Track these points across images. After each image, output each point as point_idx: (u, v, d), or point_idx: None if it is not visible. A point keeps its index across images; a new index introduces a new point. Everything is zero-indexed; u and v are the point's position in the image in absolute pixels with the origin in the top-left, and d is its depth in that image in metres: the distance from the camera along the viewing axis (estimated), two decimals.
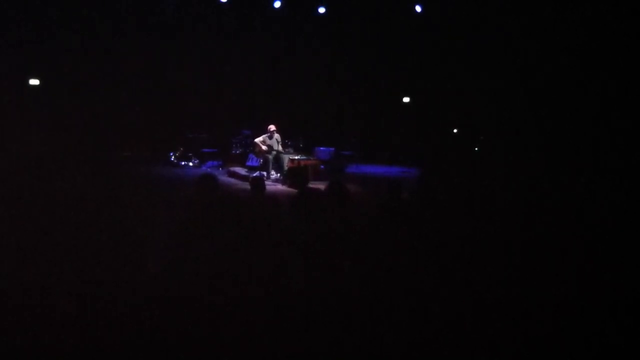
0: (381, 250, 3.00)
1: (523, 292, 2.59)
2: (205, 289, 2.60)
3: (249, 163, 12.39)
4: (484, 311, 2.49)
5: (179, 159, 13.64)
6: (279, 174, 11.11)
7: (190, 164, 13.57)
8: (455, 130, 16.12)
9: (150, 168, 11.87)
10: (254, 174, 10.83)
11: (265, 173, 11.05)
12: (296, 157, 11.23)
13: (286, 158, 11.15)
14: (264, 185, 5.04)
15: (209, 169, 12.77)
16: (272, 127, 11.15)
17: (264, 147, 11.16)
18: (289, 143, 12.14)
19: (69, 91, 12.82)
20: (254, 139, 11.49)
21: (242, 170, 11.87)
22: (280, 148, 11.19)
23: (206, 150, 13.73)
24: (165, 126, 14.32)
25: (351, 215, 3.34)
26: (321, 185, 4.24)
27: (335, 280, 2.75)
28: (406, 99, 16.65)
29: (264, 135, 11.27)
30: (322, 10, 14.29)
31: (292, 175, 10.23)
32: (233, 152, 13.53)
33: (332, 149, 14.26)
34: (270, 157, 11.00)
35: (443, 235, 3.25)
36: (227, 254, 3.01)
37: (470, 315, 2.46)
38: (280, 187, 10.19)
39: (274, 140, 11.26)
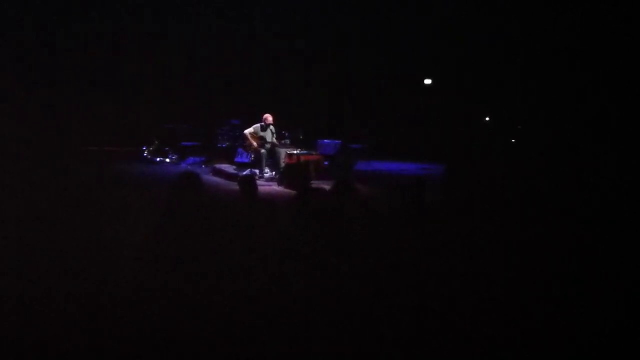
0: (401, 271, 3.12)
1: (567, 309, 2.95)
2: (185, 314, 2.87)
3: (238, 159, 12.41)
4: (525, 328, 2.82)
5: (154, 154, 13.66)
6: (274, 172, 11.13)
7: (168, 160, 13.60)
8: (487, 119, 16.14)
9: (118, 165, 11.94)
10: (244, 173, 10.90)
11: (257, 171, 11.06)
12: (295, 152, 11.21)
13: (283, 153, 11.15)
14: (256, 186, 5.03)
15: (189, 167, 12.93)
16: (269, 118, 11.13)
17: (254, 142, 11.16)
18: (287, 135, 12.13)
19: (19, 75, 12.87)
20: (244, 130, 11.49)
21: (229, 168, 11.87)
22: (275, 141, 11.20)
23: (186, 143, 13.82)
24: (137, 115, 14.36)
25: (362, 224, 3.31)
26: (325, 186, 4.22)
27: (344, 305, 2.83)
28: (428, 82, 16.66)
29: (255, 126, 11.25)
30: None
31: (290, 174, 10.22)
32: (219, 145, 13.54)
33: (339, 142, 14.26)
34: (264, 151, 10.99)
35: (475, 249, 3.45)
36: (212, 273, 3.13)
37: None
38: (275, 187, 10.18)
39: (268, 131, 11.25)
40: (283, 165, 10.90)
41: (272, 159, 11.19)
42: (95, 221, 3.79)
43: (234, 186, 9.39)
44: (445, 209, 4.57)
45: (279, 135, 11.68)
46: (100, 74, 14.13)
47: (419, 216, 4.13)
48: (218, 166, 12.14)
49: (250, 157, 11.57)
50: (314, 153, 11.88)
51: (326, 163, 12.66)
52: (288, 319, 2.81)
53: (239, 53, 15.28)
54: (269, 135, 11.26)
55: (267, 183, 10.60)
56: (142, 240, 3.47)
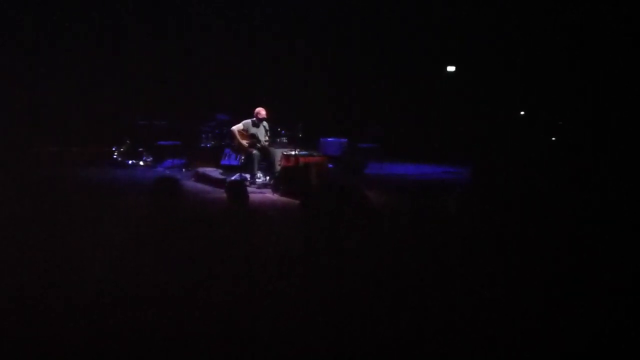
0: (421, 293, 3.28)
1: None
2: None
3: (225, 161, 12.46)
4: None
5: (125, 155, 13.69)
6: (267, 177, 11.17)
7: (141, 162, 13.64)
8: (522, 113, 16.15)
9: (79, 170, 11.91)
10: (232, 177, 10.90)
11: (248, 176, 11.09)
12: (293, 153, 11.23)
13: (278, 154, 11.18)
14: (246, 194, 5.05)
15: (167, 171, 13.04)
16: (261, 112, 11.16)
17: (244, 141, 11.18)
18: (283, 132, 12.15)
19: None
20: (232, 126, 11.52)
21: (215, 172, 11.89)
22: (268, 139, 11.23)
23: (164, 143, 13.89)
24: (106, 110, 14.42)
25: (375, 240, 3.34)
26: (330, 193, 4.21)
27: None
28: (451, 69, 16.69)
29: (245, 122, 11.27)
30: None
31: (287, 179, 10.23)
32: (202, 145, 13.58)
33: (345, 140, 14.36)
34: (256, 152, 11.01)
35: (506, 272, 3.60)
36: (192, 304, 3.25)
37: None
38: (269, 195, 10.19)
39: (260, 128, 11.26)
40: (278, 168, 10.93)
41: (266, 161, 11.21)
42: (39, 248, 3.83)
43: (221, 194, 9.38)
44: (472, 220, 4.67)
45: (274, 133, 11.72)
46: (63, 61, 14.20)
47: (440, 230, 4.21)
48: (201, 170, 12.16)
49: (240, 159, 11.59)
50: (316, 154, 11.89)
51: (330, 165, 12.72)
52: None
53: (227, 36, 15.35)
54: (261, 133, 11.27)
55: (260, 190, 10.61)
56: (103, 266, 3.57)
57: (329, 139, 14.46)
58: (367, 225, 3.40)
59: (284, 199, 9.83)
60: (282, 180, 10.33)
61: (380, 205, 6.76)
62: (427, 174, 13.44)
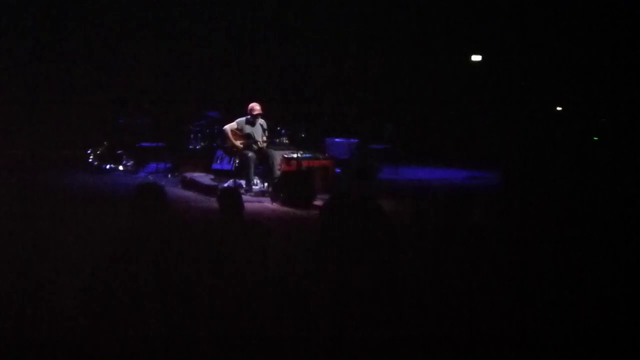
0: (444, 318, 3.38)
1: None
2: None
3: (216, 166, 12.46)
4: None
5: (102, 159, 13.70)
6: (265, 184, 11.19)
7: (120, 167, 13.65)
8: (558, 108, 16.10)
9: (48, 176, 11.90)
10: (225, 184, 10.93)
11: (243, 182, 11.11)
12: (294, 155, 11.24)
13: (277, 156, 11.20)
14: (241, 203, 5.03)
15: (150, 177, 13.05)
16: (255, 108, 11.14)
17: (238, 142, 11.18)
18: (283, 132, 12.16)
19: None
20: (224, 125, 11.52)
21: (205, 178, 11.89)
22: (265, 139, 11.25)
23: (147, 144, 13.93)
24: (79, 107, 14.43)
25: (391, 261, 3.33)
26: (337, 202, 4.18)
27: None
28: (476, 58, 16.66)
29: (239, 120, 11.27)
30: None
31: (288, 186, 10.22)
32: (191, 147, 13.61)
33: (355, 141, 14.40)
34: (251, 155, 11.00)
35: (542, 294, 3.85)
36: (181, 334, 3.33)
37: None
38: (268, 204, 10.19)
39: (256, 127, 11.27)
40: (278, 173, 10.93)
41: (263, 165, 11.21)
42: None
43: (212, 203, 9.39)
44: (502, 234, 4.74)
45: (272, 132, 11.73)
46: (37, 55, 14.26)
47: (465, 245, 4.22)
48: (189, 175, 12.16)
49: (233, 162, 11.60)
50: (321, 156, 11.88)
51: (338, 170, 12.70)
52: None
53: (218, 23, 15.38)
54: (257, 133, 11.25)
55: (257, 198, 10.61)
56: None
57: (336, 140, 14.44)
58: (383, 244, 3.35)
59: (284, 209, 9.82)
60: (282, 187, 10.31)
61: (398, 219, 6.75)
62: (450, 179, 13.43)
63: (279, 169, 11.05)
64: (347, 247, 3.32)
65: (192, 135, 13.66)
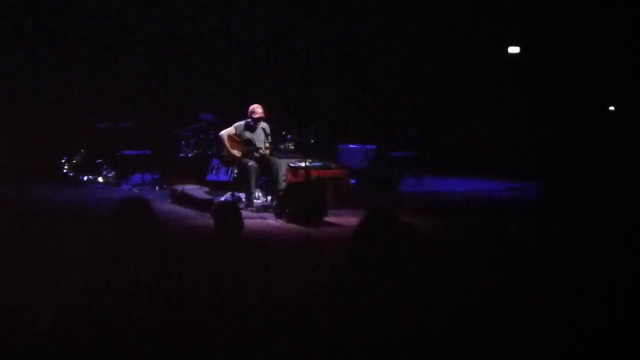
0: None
1: None
2: None
3: (211, 177, 12.48)
4: None
5: (79, 169, 13.73)
6: (268, 197, 11.19)
7: (100, 179, 13.68)
8: (611, 108, 16.02)
9: (17, 190, 11.91)
10: (222, 198, 10.96)
11: (242, 195, 11.12)
12: (302, 164, 11.25)
13: (283, 165, 11.22)
14: (240, 220, 5.01)
15: (134, 190, 13.12)
16: (257, 110, 11.15)
17: (237, 150, 11.19)
18: (289, 137, 12.17)
19: None
20: (220, 130, 11.58)
21: (199, 191, 11.91)
22: (268, 146, 11.28)
23: (130, 152, 13.98)
24: (54, 110, 14.50)
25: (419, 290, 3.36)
26: (352, 218, 4.17)
27: None
28: (513, 50, 16.65)
29: (238, 124, 11.29)
30: None
31: (295, 199, 10.23)
32: (182, 155, 13.66)
33: (372, 147, 14.41)
34: (252, 164, 11.01)
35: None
36: None
37: None
38: (271, 221, 10.19)
39: (257, 132, 11.29)
40: (283, 185, 10.93)
41: (266, 176, 11.23)
42: None
43: (206, 219, 9.37)
44: (545, 252, 4.83)
45: (276, 138, 11.75)
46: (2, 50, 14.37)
47: (503, 266, 4.26)
48: (180, 188, 12.17)
49: (231, 173, 11.62)
50: (333, 165, 11.89)
51: (353, 181, 12.74)
52: None
53: (214, 16, 15.46)
54: (259, 138, 11.27)
55: (258, 214, 10.61)
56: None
57: (351, 146, 14.44)
58: (409, 269, 3.34)
59: (290, 226, 9.82)
60: (288, 202, 10.30)
61: (420, 232, 6.73)
62: (483, 191, 13.40)
63: (284, 180, 11.06)
64: (380, 276, 3.30)
65: (183, 142, 13.70)
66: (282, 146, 11.85)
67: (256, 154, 11.16)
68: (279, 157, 11.36)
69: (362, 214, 3.55)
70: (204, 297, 3.81)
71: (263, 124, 11.28)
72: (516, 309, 3.90)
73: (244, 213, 6.08)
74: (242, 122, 11.29)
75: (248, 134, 11.25)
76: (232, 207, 5.25)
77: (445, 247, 6.32)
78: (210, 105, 14.21)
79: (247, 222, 6.16)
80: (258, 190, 11.28)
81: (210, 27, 15.55)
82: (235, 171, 11.36)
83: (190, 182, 12.55)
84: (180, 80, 15.35)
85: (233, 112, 12.25)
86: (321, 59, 15.97)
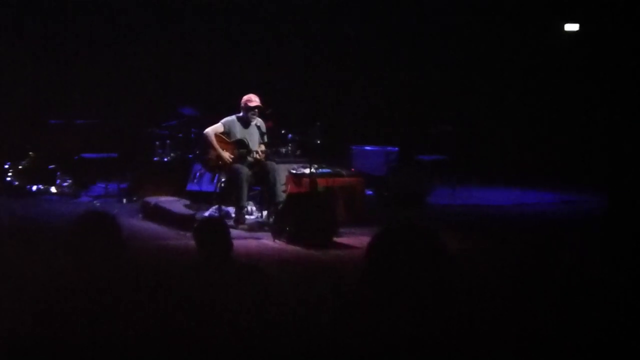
0: None
1: None
2: None
3: (193, 186, 12.55)
4: None
5: (26, 177, 13.71)
6: (264, 212, 11.26)
7: (53, 189, 13.67)
8: None
9: None
10: (206, 213, 11.08)
11: (231, 210, 11.17)
12: (306, 171, 11.28)
13: (282, 172, 11.28)
14: (228, 240, 5.07)
15: (97, 202, 13.13)
16: (252, 100, 11.13)
17: (226, 152, 11.19)
18: (290, 137, 12.16)
19: None
20: (204, 127, 11.60)
21: (177, 204, 11.91)
22: (264, 148, 11.30)
23: (91, 156, 14.05)
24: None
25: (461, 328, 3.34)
26: (368, 239, 4.15)
27: None
28: (571, 27, 16.62)
29: (227, 120, 11.29)
30: None
31: (298, 215, 10.23)
32: (156, 159, 13.67)
33: (393, 149, 14.50)
34: (244, 170, 11.01)
35: None
36: None
37: None
38: (268, 242, 10.19)
39: (251, 130, 11.32)
40: (283, 196, 10.94)
41: (262, 185, 11.27)
42: None
43: (186, 240, 9.36)
44: (608, 279, 4.97)
45: (275, 138, 11.80)
46: None
47: (554, 295, 4.39)
48: (154, 200, 12.17)
49: (218, 181, 11.64)
50: (345, 172, 11.88)
51: (369, 192, 12.79)
52: None
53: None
54: (253, 138, 11.29)
55: (251, 233, 10.64)
56: None
57: (367, 148, 14.46)
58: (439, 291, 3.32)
59: (291, 248, 9.84)
60: (288, 217, 10.30)
61: (455, 254, 6.71)
62: (532, 205, 13.44)
63: (284, 191, 11.10)
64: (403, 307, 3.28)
65: (157, 142, 13.71)
66: (282, 149, 11.83)
67: (249, 158, 11.17)
68: (278, 162, 11.38)
69: (378, 231, 3.50)
70: (182, 339, 3.80)
71: (258, 120, 11.30)
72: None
73: (233, 232, 6.08)
74: (232, 118, 11.31)
75: (240, 132, 11.27)
76: (219, 225, 5.30)
77: (485, 277, 6.36)
78: (191, 97, 14.23)
79: (238, 243, 6.15)
80: (251, 203, 11.34)
81: (191, 1, 15.61)
82: (223, 179, 11.38)
83: (166, 193, 12.60)
84: (154, 65, 15.34)
85: (220, 105, 12.26)
86: (330, 39, 15.99)
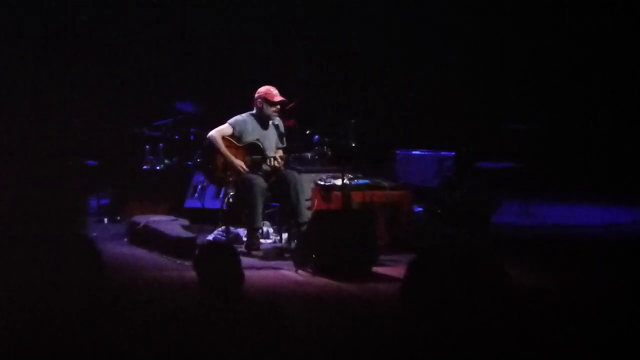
0: None
1: None
2: None
3: (192, 202, 12.70)
4: None
5: None
6: (284, 235, 11.38)
7: None
8: None
9: None
10: (210, 236, 11.22)
11: (242, 232, 11.26)
12: (337, 182, 11.28)
13: (307, 184, 11.38)
14: (239, 271, 5.07)
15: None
16: (271, 94, 11.12)
17: (237, 159, 11.18)
18: (316, 139, 12.15)
19: None
20: (208, 128, 11.65)
21: (172, 225, 11.92)
22: (280, 153, 11.35)
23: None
24: None
25: None
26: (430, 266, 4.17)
27: None
28: None
29: (238, 119, 11.32)
30: None
31: (327, 238, 10.21)
32: (146, 167, 13.76)
33: (448, 154, 14.59)
34: (259, 181, 11.00)
35: None
36: None
37: None
38: (288, 272, 10.18)
39: (269, 133, 11.42)
40: (308, 215, 10.99)
41: (281, 201, 11.35)
42: None
43: (185, 270, 9.44)
44: None
45: (296, 141, 11.94)
46: None
47: None
48: (144, 220, 12.20)
49: (224, 195, 11.72)
50: (387, 184, 11.87)
51: (418, 208, 12.84)
52: None
53: None
54: (270, 142, 11.35)
55: (267, 262, 10.66)
56: None
57: (416, 153, 14.47)
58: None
59: (319, 280, 9.83)
60: (315, 242, 10.30)
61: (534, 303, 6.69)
62: (631, 225, 13.43)
63: (310, 208, 11.17)
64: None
65: (148, 147, 13.83)
66: (306, 154, 11.81)
67: (265, 167, 11.19)
68: (301, 171, 11.48)
69: (417, 257, 3.50)
70: None
71: (277, 120, 11.34)
72: None
73: (244, 260, 6.08)
74: (244, 117, 11.37)
75: (254, 133, 11.30)
76: (226, 251, 5.29)
77: (567, 324, 6.34)
78: (191, 90, 14.28)
79: (250, 275, 6.15)
80: (267, 223, 11.44)
81: None
82: (232, 193, 11.43)
83: (159, 211, 12.69)
84: (144, 49, 15.44)
85: (228, 100, 12.29)
86: (367, 16, 16.04)
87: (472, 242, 11.30)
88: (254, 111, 11.32)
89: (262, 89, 11.25)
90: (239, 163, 11.18)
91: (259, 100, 11.23)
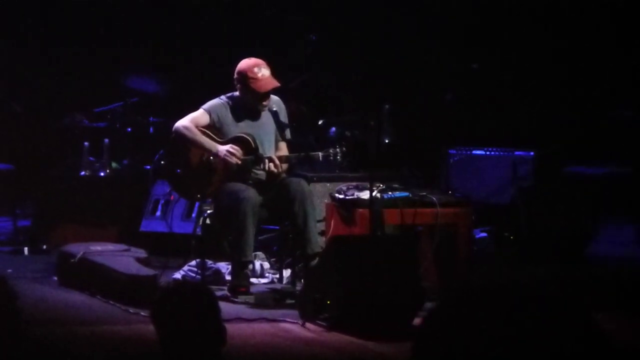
0: None
1: None
2: None
3: (151, 224, 12.95)
4: None
5: None
6: (285, 271, 11.57)
7: None
8: None
9: None
10: (176, 274, 11.48)
11: (224, 266, 11.45)
12: (363, 195, 11.27)
13: (318, 197, 11.58)
14: (218, 326, 5.12)
15: None
16: (254, 74, 11.17)
17: (222, 146, 11.23)
18: (332, 133, 12.24)
19: None
20: (172, 115, 11.61)
21: (122, 258, 11.97)
22: (282, 152, 11.37)
23: None
24: None
25: None
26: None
27: None
28: None
29: (215, 104, 11.38)
30: None
31: (349, 276, 10.24)
32: (84, 174, 13.81)
33: (526, 154, 14.75)
34: (248, 194, 11.06)
35: None
36: None
37: None
38: (291, 326, 10.19)
39: (263, 123, 11.55)
40: (321, 242, 11.15)
41: (282, 220, 11.52)
42: None
43: (140, 323, 9.51)
44: None
45: (305, 134, 12.06)
46: None
47: None
48: (81, 250, 12.25)
49: (199, 214, 11.83)
50: (437, 197, 11.88)
51: (481, 234, 12.85)
52: None
53: None
54: (266, 135, 11.45)
55: (260, 310, 10.68)
56: None
57: (478, 152, 14.65)
58: None
59: (335, 338, 9.85)
60: (330, 282, 10.33)
61: None
62: None
63: (324, 232, 11.27)
64: None
65: (86, 144, 13.95)
66: (320, 153, 11.83)
67: (258, 172, 11.23)
68: (311, 179, 11.63)
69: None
70: None
71: (274, 103, 11.37)
72: None
73: (226, 307, 6.13)
74: (223, 101, 11.49)
75: (239, 126, 11.34)
76: (200, 296, 5.35)
77: None
78: (148, 60, 14.38)
79: (237, 330, 6.14)
80: (262, 255, 11.53)
81: None
82: (209, 210, 11.51)
83: (104, 237, 12.82)
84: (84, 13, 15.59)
85: (204, 74, 12.36)
86: None
87: (555, 284, 11.32)
88: (236, 93, 11.36)
89: (243, 65, 11.24)
90: (228, 149, 11.18)
91: (239, 77, 11.25)
